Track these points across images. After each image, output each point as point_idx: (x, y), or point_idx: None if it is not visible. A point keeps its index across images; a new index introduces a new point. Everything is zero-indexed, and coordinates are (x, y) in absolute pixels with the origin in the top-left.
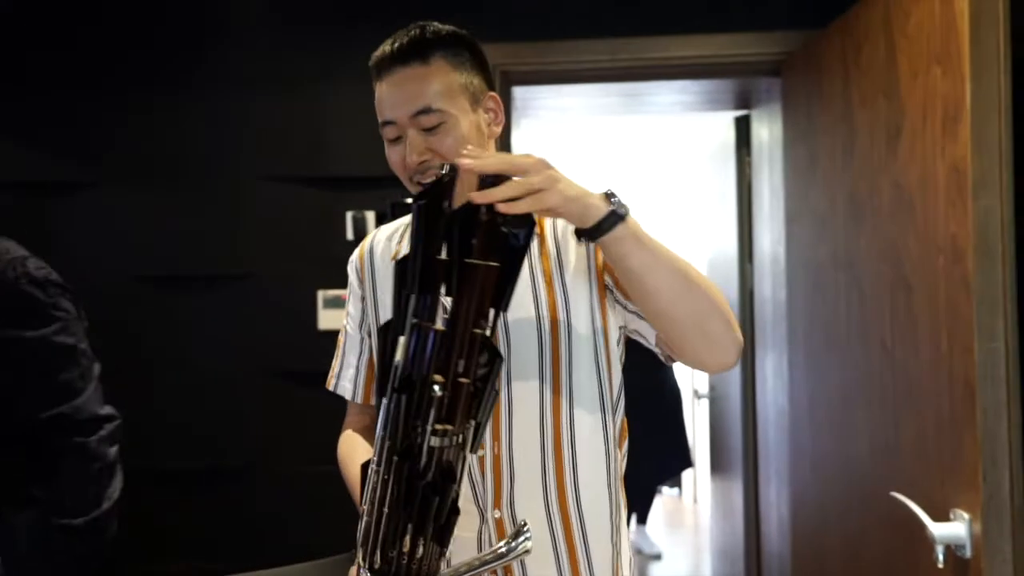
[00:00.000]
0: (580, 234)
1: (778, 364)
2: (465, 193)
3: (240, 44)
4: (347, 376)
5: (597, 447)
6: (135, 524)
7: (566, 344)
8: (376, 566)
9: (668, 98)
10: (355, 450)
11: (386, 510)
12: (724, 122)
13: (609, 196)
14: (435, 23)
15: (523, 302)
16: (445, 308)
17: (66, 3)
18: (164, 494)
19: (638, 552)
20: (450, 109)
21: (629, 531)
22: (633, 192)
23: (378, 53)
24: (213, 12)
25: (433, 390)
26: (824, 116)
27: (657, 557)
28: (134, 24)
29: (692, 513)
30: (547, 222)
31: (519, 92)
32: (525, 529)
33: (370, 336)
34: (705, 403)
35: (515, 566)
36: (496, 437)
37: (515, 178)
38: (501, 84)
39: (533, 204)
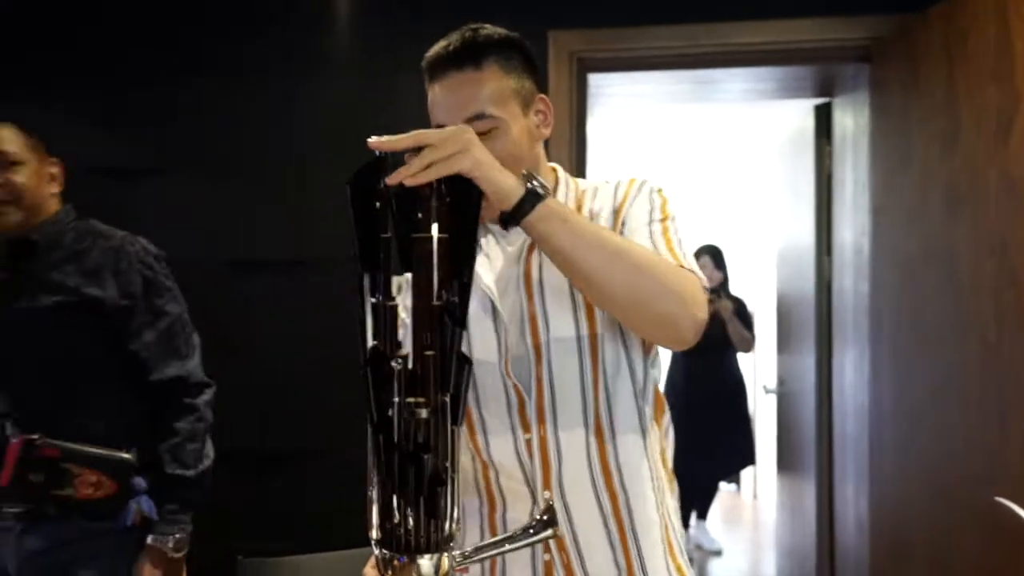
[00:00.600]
0: (502, 218)
1: (859, 359)
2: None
3: (310, 31)
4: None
5: (633, 423)
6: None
7: (600, 315)
8: (378, 537)
9: (744, 85)
10: None
11: (375, 483)
12: (801, 111)
13: (527, 177)
14: (488, 26)
15: (559, 279)
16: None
17: None
18: (234, 474)
19: (698, 548)
20: (501, 115)
21: (684, 522)
22: (699, 181)
23: (431, 55)
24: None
25: (393, 364)
26: (921, 105)
27: (717, 553)
28: (207, 14)
29: (751, 509)
30: (585, 202)
31: (593, 79)
32: (550, 511)
33: None
34: (772, 398)
35: (569, 543)
36: (541, 420)
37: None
38: (576, 71)
39: (443, 168)
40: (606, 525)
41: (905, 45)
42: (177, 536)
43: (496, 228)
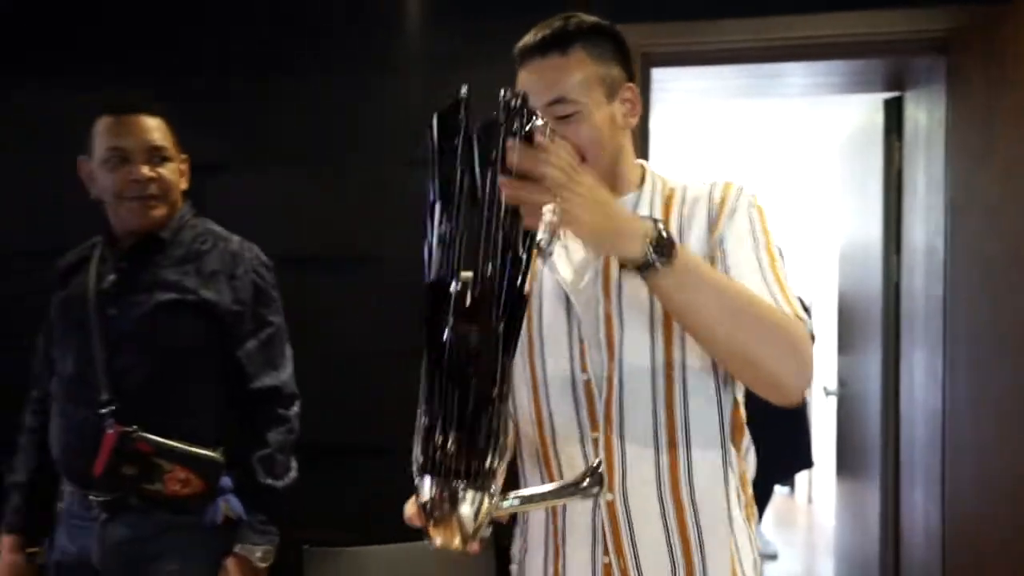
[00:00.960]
0: (621, 263)
1: (930, 362)
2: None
3: (380, 28)
4: None
5: (712, 438)
6: None
7: (679, 330)
8: (419, 460)
9: (810, 80)
10: None
11: (423, 404)
12: (868, 105)
13: (653, 235)
14: (579, 15)
15: (637, 293)
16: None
17: None
18: (303, 466)
19: None
20: (584, 100)
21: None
22: (756, 178)
23: (521, 43)
24: None
25: (452, 286)
26: (1006, 99)
27: (772, 557)
28: (279, 10)
29: (806, 513)
30: (675, 203)
31: (657, 74)
32: (597, 470)
33: None
34: (830, 399)
35: (627, 549)
36: (608, 421)
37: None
38: (640, 66)
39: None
40: (669, 541)
41: (989, 36)
42: (265, 547)
43: None
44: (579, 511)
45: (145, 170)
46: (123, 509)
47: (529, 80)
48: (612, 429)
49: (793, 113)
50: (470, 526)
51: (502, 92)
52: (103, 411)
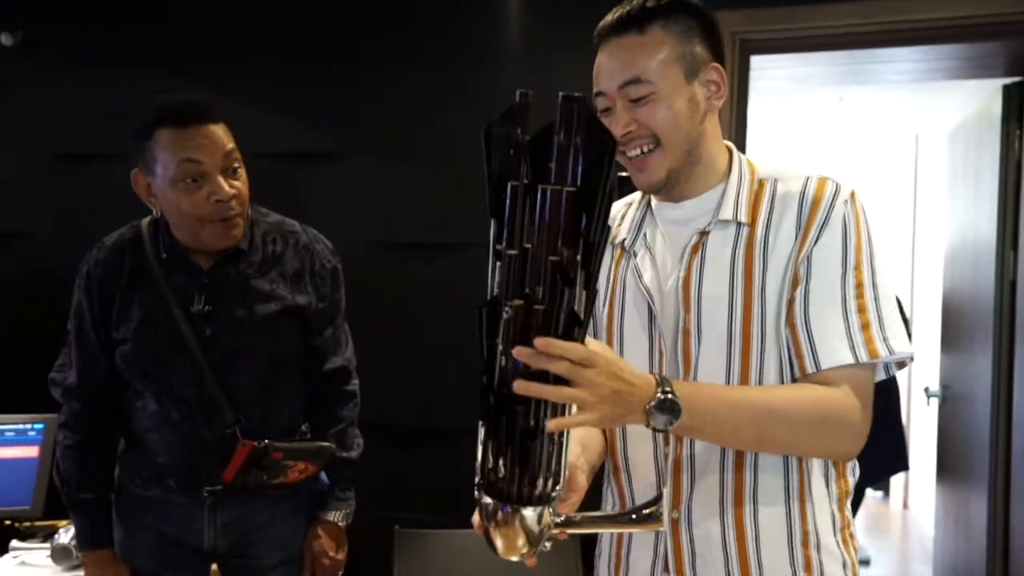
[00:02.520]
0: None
1: None
2: None
3: (480, 19)
4: None
5: (780, 462)
6: (363, 472)
7: (758, 341)
8: (478, 481)
9: (922, 65)
10: None
11: (480, 424)
12: (983, 90)
13: (656, 401)
14: None
15: (718, 291)
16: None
17: None
18: (396, 448)
19: None
20: (659, 81)
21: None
22: (855, 168)
23: (601, 23)
24: None
25: (503, 311)
26: None
27: (865, 562)
28: (382, 6)
29: (900, 518)
30: (763, 201)
31: (756, 61)
32: (659, 505)
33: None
34: (933, 401)
35: (687, 567)
36: (680, 437)
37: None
38: (739, 53)
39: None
40: (728, 566)
41: None
42: (346, 511)
43: (665, 215)
44: None
45: (226, 188)
46: (233, 495)
47: (604, 61)
48: (682, 446)
49: (894, 100)
50: (531, 540)
51: (560, 96)
52: (229, 430)
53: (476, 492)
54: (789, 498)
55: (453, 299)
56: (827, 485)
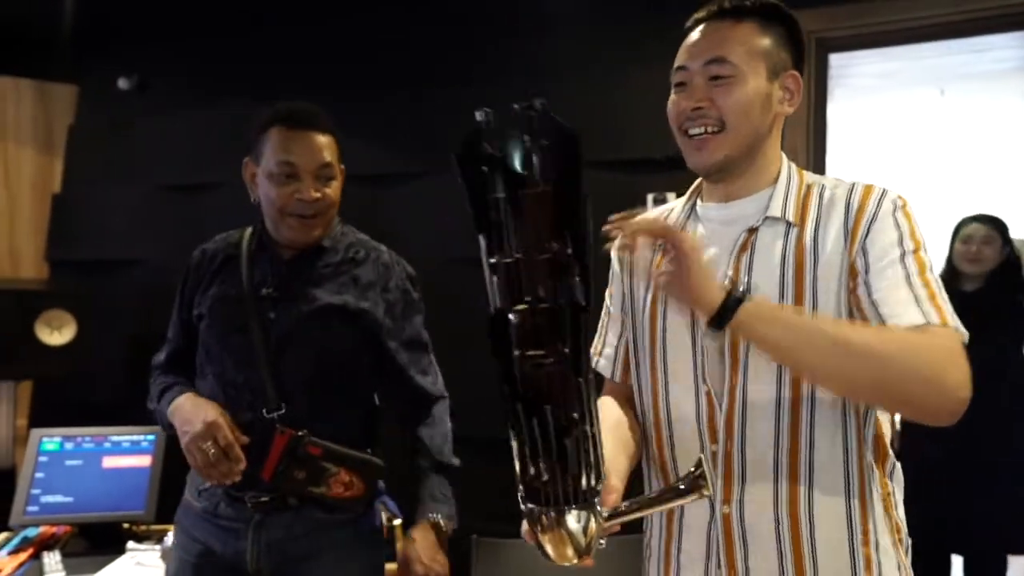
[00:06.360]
0: (708, 323)
1: None
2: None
3: (546, 34)
4: (606, 355)
5: (837, 457)
6: None
7: None
8: (521, 491)
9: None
10: (602, 410)
11: (512, 435)
12: None
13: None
14: None
15: (768, 289)
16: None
17: (398, 8)
18: (477, 457)
19: None
20: (743, 67)
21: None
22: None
23: (695, 15)
24: (523, 5)
25: (510, 318)
26: None
27: None
28: (450, 27)
29: None
30: (811, 203)
31: (835, 60)
32: (701, 469)
33: (630, 316)
34: None
35: (740, 568)
36: (729, 434)
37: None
38: (816, 53)
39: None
40: (782, 562)
41: None
42: (448, 513)
43: (711, 215)
44: (696, 515)
45: (312, 191)
46: (277, 509)
47: (695, 38)
48: (732, 443)
49: (1000, 91)
50: (581, 541)
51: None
52: (271, 415)
53: (520, 503)
54: (849, 495)
55: None
56: (878, 485)
